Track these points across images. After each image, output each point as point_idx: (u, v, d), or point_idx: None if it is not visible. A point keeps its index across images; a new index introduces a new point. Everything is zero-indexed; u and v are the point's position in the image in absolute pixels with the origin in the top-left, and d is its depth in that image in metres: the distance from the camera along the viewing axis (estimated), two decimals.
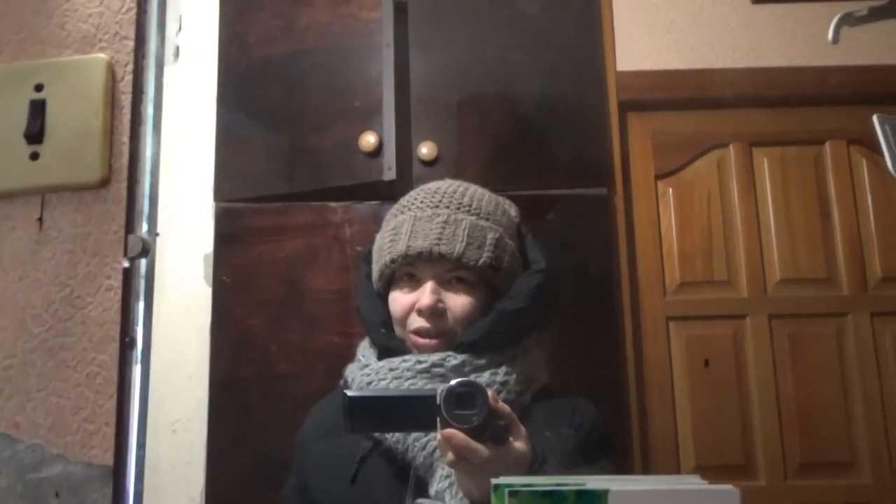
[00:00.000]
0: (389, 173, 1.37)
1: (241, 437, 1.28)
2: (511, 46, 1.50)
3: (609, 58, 1.55)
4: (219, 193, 1.44)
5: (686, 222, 1.54)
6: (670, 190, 1.56)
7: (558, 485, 0.53)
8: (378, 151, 1.38)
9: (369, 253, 1.03)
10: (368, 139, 1.38)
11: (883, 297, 1.51)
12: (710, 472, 1.42)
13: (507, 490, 0.52)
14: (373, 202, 1.39)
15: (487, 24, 1.50)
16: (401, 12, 1.47)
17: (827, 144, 1.58)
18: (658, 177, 1.56)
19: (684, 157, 1.58)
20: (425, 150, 1.42)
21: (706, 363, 1.45)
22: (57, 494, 1.13)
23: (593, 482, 0.53)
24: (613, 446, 0.98)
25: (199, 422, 1.31)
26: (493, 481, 0.55)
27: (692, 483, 0.55)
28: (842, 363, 1.48)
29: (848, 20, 1.09)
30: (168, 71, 1.52)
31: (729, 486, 0.53)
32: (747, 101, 1.58)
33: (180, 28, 1.55)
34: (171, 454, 1.30)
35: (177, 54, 1.54)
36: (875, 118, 0.98)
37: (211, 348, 1.34)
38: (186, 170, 1.46)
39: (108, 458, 1.14)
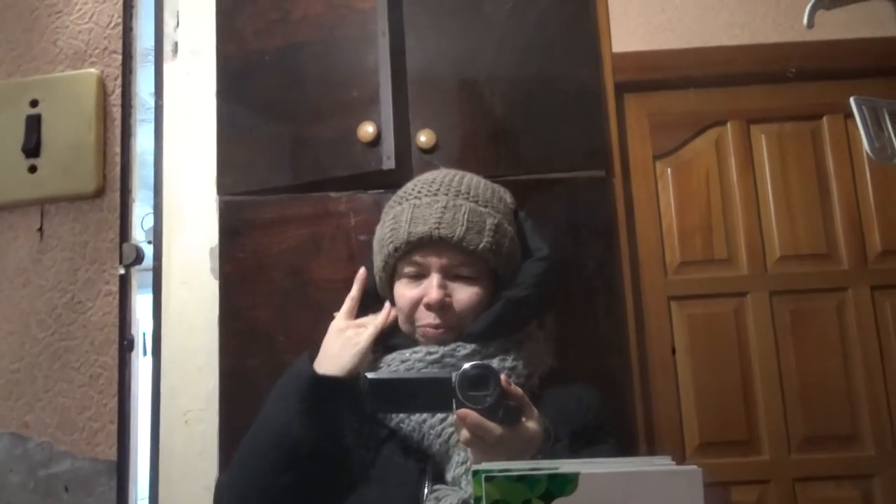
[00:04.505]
0: (389, 162, 1.38)
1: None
2: (506, 30, 1.50)
3: (604, 39, 1.55)
4: (221, 187, 1.45)
5: (685, 201, 1.55)
6: (668, 170, 1.57)
7: (532, 470, 0.55)
8: (377, 141, 1.39)
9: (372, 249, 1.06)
10: (367, 129, 1.39)
11: (883, 270, 1.52)
12: (714, 448, 1.45)
13: (483, 476, 0.54)
14: (375, 191, 1.40)
15: (482, 9, 1.50)
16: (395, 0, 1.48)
17: (825, 119, 1.58)
18: (656, 157, 1.57)
19: (682, 136, 1.58)
20: (424, 137, 1.43)
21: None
22: (66, 489, 1.19)
23: (565, 466, 0.56)
24: (614, 428, 1.00)
25: (210, 412, 1.33)
26: (473, 467, 0.58)
27: (660, 464, 0.58)
28: (843, 337, 1.49)
29: (822, 4, 1.09)
30: (167, 67, 1.54)
31: (693, 466, 0.55)
32: (744, 78, 1.58)
33: (178, 24, 1.56)
34: (185, 445, 1.32)
35: (175, 50, 1.54)
36: (852, 100, 0.99)
37: (220, 340, 1.36)
38: (189, 165, 1.48)
39: (113, 454, 1.19)
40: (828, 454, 1.45)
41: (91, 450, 1.22)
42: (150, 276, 1.42)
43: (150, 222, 1.47)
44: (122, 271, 1.30)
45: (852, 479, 1.44)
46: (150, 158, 1.47)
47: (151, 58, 1.54)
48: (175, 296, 1.40)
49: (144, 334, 1.56)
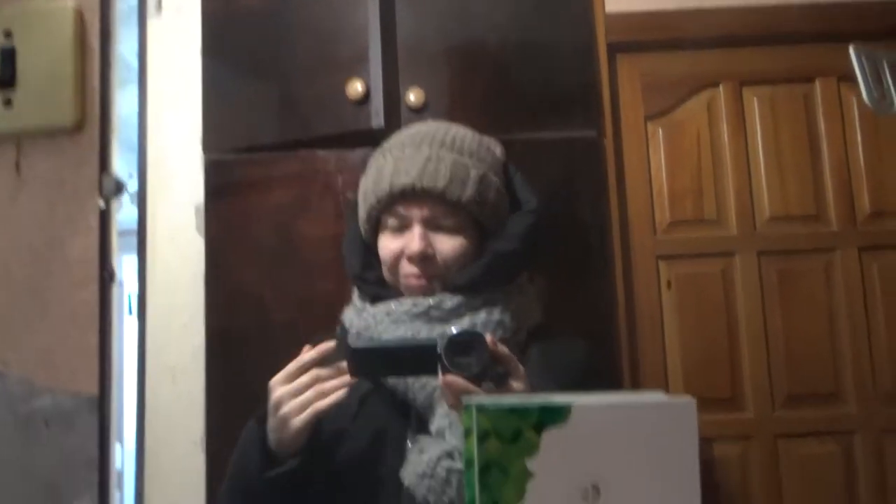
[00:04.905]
0: (377, 120, 1.36)
1: (239, 383, 1.29)
2: None
3: None
4: (207, 145, 1.43)
5: (676, 162, 1.55)
6: (660, 131, 1.56)
7: (523, 401, 0.54)
8: (365, 99, 1.37)
9: (357, 200, 1.04)
10: (356, 87, 1.37)
11: (871, 231, 1.53)
12: (699, 404, 1.45)
13: (475, 407, 0.53)
14: (363, 149, 1.38)
15: None
16: None
17: (817, 82, 1.57)
18: (648, 118, 1.56)
19: (674, 97, 1.57)
20: (413, 96, 1.41)
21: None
22: (47, 424, 1.17)
23: (557, 398, 0.55)
24: (601, 383, 1.00)
25: (196, 369, 1.32)
26: (464, 401, 0.57)
27: (653, 397, 0.57)
28: (830, 297, 1.50)
29: None
30: (151, 24, 1.50)
31: (686, 398, 0.55)
32: (737, 40, 1.57)
33: None
34: (171, 401, 1.33)
35: (159, 7, 1.51)
36: (851, 49, 0.97)
37: (206, 298, 1.34)
38: (174, 123, 1.45)
39: (94, 389, 1.17)
40: (811, 411, 1.47)
41: (73, 385, 1.20)
42: (134, 239, 1.40)
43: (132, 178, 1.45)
44: (102, 205, 1.26)
45: (833, 436, 1.46)
46: (134, 111, 1.44)
47: (135, 15, 1.51)
48: (161, 254, 1.39)
49: (130, 296, 1.54)
